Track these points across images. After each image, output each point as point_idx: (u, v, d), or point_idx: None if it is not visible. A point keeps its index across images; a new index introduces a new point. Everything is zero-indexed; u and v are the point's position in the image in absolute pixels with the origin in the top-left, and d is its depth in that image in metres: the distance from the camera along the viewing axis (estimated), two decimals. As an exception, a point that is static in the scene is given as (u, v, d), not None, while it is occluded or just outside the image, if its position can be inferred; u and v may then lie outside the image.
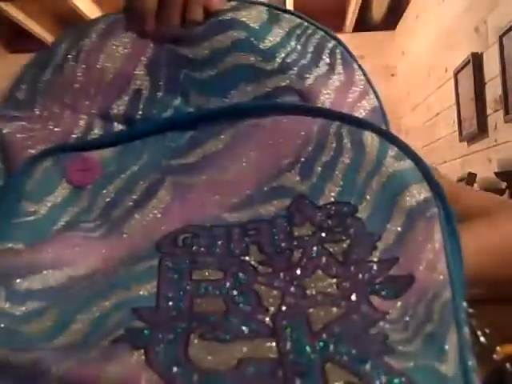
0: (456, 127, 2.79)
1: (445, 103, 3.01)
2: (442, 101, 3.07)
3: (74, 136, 0.42)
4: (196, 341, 0.26)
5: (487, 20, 2.39)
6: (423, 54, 3.45)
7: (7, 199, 0.37)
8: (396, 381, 0.23)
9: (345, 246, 0.32)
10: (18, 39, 3.94)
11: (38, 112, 0.43)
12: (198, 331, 0.27)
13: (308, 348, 0.25)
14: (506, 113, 2.19)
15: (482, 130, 2.46)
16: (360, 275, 0.30)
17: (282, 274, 0.31)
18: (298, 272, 0.31)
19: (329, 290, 0.29)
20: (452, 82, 2.81)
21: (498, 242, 0.42)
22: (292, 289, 0.29)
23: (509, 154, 2.18)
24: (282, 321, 0.27)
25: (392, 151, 0.36)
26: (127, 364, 0.25)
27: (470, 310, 0.31)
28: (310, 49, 0.43)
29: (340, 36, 0.45)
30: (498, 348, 0.32)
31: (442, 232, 0.31)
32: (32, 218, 0.37)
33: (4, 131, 0.42)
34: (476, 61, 2.49)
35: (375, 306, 0.28)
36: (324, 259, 0.31)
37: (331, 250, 0.32)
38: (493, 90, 2.36)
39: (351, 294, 0.29)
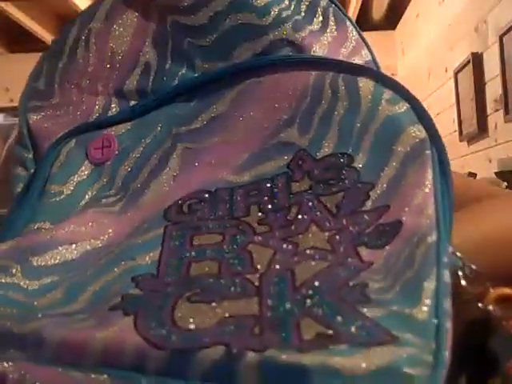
0: (456, 127, 2.79)
1: (445, 103, 3.02)
2: (442, 101, 3.07)
3: (94, 117, 0.43)
4: (183, 304, 0.26)
5: (487, 20, 2.39)
6: (423, 54, 3.45)
7: (36, 183, 0.39)
8: (366, 329, 0.23)
9: (339, 197, 0.32)
10: (19, 39, 3.94)
11: (58, 99, 0.45)
12: (186, 295, 0.27)
13: (287, 303, 0.26)
14: (506, 113, 2.19)
15: (482, 129, 2.46)
16: (351, 227, 0.30)
17: (277, 233, 0.31)
18: (293, 228, 0.31)
19: (320, 244, 0.29)
20: (452, 81, 2.81)
21: (480, 239, 0.41)
22: (284, 246, 0.30)
23: (509, 153, 2.18)
24: (269, 279, 0.27)
25: (387, 95, 0.35)
26: (116, 329, 0.25)
27: (459, 254, 0.30)
28: (303, 7, 0.44)
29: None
30: (489, 291, 0.31)
31: (433, 174, 0.30)
32: (57, 198, 0.38)
33: (30, 122, 0.44)
34: (476, 61, 2.49)
35: (362, 257, 0.28)
36: (318, 214, 0.31)
37: (326, 203, 0.32)
38: (493, 90, 2.36)
39: (340, 247, 0.29)
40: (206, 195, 0.35)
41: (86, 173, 0.40)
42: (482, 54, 2.47)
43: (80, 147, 0.41)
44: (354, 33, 0.45)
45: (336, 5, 0.45)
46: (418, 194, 0.30)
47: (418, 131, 0.33)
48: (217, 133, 0.39)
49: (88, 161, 0.40)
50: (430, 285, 0.25)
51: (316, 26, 0.43)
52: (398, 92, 0.35)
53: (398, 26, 4.03)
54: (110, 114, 0.43)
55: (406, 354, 0.22)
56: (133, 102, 0.43)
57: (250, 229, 0.32)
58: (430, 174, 0.30)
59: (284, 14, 0.42)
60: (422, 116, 0.33)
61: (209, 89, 0.41)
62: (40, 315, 0.28)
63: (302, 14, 0.43)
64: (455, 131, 2.82)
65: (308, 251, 0.29)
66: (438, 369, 0.22)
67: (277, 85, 0.39)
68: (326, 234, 0.30)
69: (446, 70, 2.96)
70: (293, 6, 0.43)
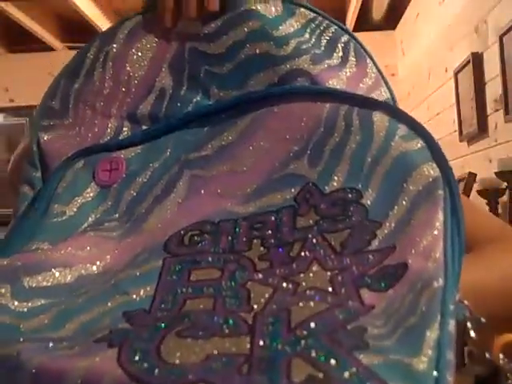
0: (456, 127, 2.79)
1: (445, 103, 3.01)
2: (442, 101, 3.06)
3: (105, 139, 0.43)
4: (171, 338, 0.26)
5: (487, 20, 2.39)
6: (423, 54, 3.45)
7: (39, 203, 0.39)
8: (360, 376, 0.22)
9: (345, 235, 0.31)
10: (19, 39, 3.94)
11: (71, 119, 0.45)
12: (176, 329, 0.26)
13: (279, 343, 0.25)
14: (506, 113, 2.19)
15: (482, 130, 2.46)
16: (354, 267, 0.29)
17: (277, 270, 0.30)
18: (294, 266, 0.30)
19: (321, 284, 0.28)
20: (452, 81, 2.81)
21: (497, 284, 0.40)
22: (284, 285, 0.29)
23: (509, 154, 2.18)
24: (264, 318, 0.27)
25: (402, 131, 0.34)
26: (97, 359, 0.25)
27: (466, 302, 0.29)
28: (324, 42, 0.44)
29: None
30: (494, 340, 0.30)
31: (444, 216, 0.29)
32: (60, 219, 0.38)
33: (41, 140, 0.44)
34: (476, 61, 2.48)
35: (363, 299, 0.27)
36: (322, 252, 0.30)
37: (331, 240, 0.31)
38: (493, 90, 2.36)
39: (341, 288, 0.28)
40: (209, 227, 0.34)
41: (92, 195, 0.39)
42: (482, 54, 2.47)
43: (88, 168, 0.41)
44: (374, 70, 0.44)
45: (357, 41, 0.45)
46: (427, 235, 0.28)
47: (431, 170, 0.32)
48: (225, 161, 0.38)
49: (94, 182, 0.40)
50: (432, 334, 0.24)
51: (335, 60, 0.43)
52: (414, 128, 0.34)
53: (398, 26, 4.02)
54: (121, 137, 0.43)
55: None
56: (145, 127, 0.43)
57: (251, 264, 0.31)
58: (440, 216, 0.29)
59: (303, 47, 0.42)
60: (436, 153, 0.32)
61: (221, 117, 0.41)
62: (22, 339, 0.28)
63: (322, 48, 0.43)
64: (455, 131, 2.81)
65: (308, 292, 0.28)
66: None
67: (289, 115, 0.38)
68: (329, 273, 0.29)
69: (446, 70, 2.96)
70: (313, 40, 0.43)
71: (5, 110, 4.09)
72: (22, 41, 3.94)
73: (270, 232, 0.33)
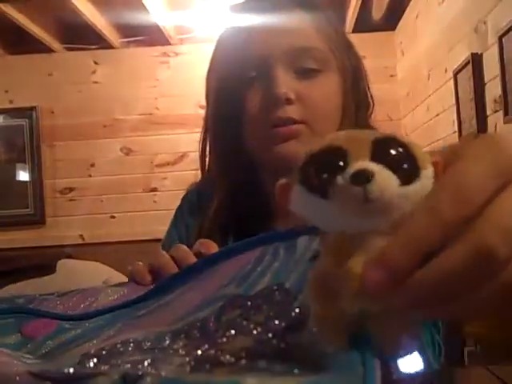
0: (456, 127, 2.79)
1: (445, 103, 3.01)
2: (442, 101, 3.07)
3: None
4: None
5: (487, 20, 2.39)
6: (423, 54, 3.45)
7: None
8: None
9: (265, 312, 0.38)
10: (18, 41, 3.94)
11: None
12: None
13: None
14: (506, 113, 2.19)
15: (481, 130, 2.46)
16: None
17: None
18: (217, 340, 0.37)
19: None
20: (451, 82, 2.81)
21: None
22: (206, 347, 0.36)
23: (509, 154, 2.17)
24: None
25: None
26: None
27: None
28: None
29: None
30: None
31: None
32: None
33: None
34: (475, 61, 2.48)
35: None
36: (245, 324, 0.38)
37: (252, 319, 0.38)
38: (492, 91, 2.36)
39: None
40: (131, 345, 0.39)
41: (15, 340, 0.45)
42: (481, 55, 2.47)
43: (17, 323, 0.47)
44: None
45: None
46: None
47: None
48: (165, 306, 0.47)
49: (20, 333, 0.45)
50: None
51: None
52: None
53: (398, 27, 4.02)
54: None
55: None
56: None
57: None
58: None
59: None
60: None
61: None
62: None
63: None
64: (455, 132, 2.82)
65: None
66: None
67: (225, 267, 0.48)
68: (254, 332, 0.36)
69: (446, 71, 2.96)
70: None
71: (4, 112, 4.09)
72: (21, 42, 3.94)
73: (195, 331, 0.40)
